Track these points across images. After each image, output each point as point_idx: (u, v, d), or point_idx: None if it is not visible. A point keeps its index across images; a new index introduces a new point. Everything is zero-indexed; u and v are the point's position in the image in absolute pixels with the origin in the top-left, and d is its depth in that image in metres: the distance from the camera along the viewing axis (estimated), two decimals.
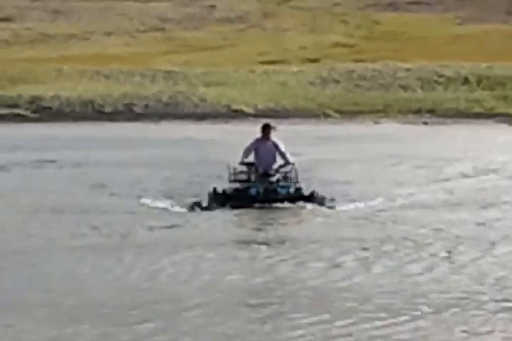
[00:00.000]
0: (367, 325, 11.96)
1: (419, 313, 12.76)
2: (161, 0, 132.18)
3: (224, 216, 20.73)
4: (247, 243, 17.80)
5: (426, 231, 18.64)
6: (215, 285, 14.86)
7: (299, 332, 11.30)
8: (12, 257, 17.40)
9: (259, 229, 19.05)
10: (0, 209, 24.08)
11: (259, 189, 21.74)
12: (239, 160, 22.69)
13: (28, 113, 71.80)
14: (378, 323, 12.16)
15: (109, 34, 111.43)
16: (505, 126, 62.53)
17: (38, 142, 49.73)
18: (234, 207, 21.70)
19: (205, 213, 21.18)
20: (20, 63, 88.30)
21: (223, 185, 22.10)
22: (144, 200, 24.61)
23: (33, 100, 74.12)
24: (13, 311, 13.13)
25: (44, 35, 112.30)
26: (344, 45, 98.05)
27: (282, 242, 17.16)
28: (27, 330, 11.65)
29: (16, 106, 73.18)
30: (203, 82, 78.65)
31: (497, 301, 13.34)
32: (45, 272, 16.62)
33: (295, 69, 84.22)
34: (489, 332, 11.45)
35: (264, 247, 16.95)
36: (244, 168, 21.49)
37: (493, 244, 20.03)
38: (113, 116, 69.80)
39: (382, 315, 12.60)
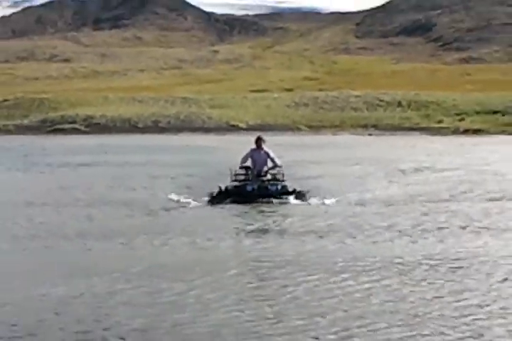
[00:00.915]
0: (336, 278, 12.07)
1: (386, 272, 12.55)
2: (179, 46, 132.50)
3: (226, 209, 20.07)
4: (242, 230, 17.07)
5: (380, 218, 17.91)
6: (218, 255, 14.17)
7: (290, 288, 11.17)
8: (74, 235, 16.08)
9: (252, 219, 18.32)
10: (61, 199, 23.17)
11: (254, 186, 20.59)
12: (239, 164, 21.31)
13: (82, 127, 71.24)
14: (348, 278, 12.04)
15: (141, 71, 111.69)
16: (428, 136, 62.25)
17: (89, 149, 49.28)
18: (234, 202, 20.54)
19: (213, 206, 20.53)
20: (77, 92, 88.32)
21: (225, 183, 21.56)
22: (164, 193, 23.06)
23: (86, 118, 73.91)
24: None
25: (94, 71, 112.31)
26: (311, 79, 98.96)
27: (269, 229, 16.50)
28: None
29: (74, 122, 72.88)
30: (208, 105, 78.72)
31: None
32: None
33: (276, 95, 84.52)
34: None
35: (255, 232, 16.22)
36: (241, 171, 21.07)
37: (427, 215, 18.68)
38: (144, 130, 69.32)
39: (352, 272, 12.40)
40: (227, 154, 25.82)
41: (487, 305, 10.96)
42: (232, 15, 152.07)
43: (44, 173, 35.06)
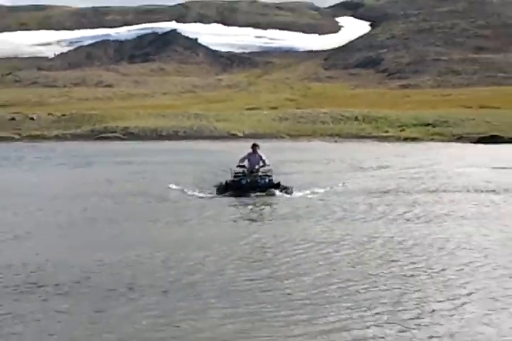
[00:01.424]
0: (312, 249, 12.21)
1: (349, 245, 12.48)
2: (192, 75, 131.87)
3: (226, 199, 19.85)
4: (238, 216, 16.84)
5: (350, 205, 17.58)
6: (217, 236, 13.82)
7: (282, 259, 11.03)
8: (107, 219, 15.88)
9: (245, 208, 18.05)
10: (102, 190, 22.96)
11: (248, 180, 20.41)
12: (237, 163, 21.30)
13: (121, 136, 70.67)
14: (321, 250, 12.12)
15: (164, 94, 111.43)
16: (377, 143, 61.79)
17: (125, 152, 49.06)
18: (232, 193, 20.35)
19: (217, 196, 20.36)
20: (117, 109, 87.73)
21: (226, 178, 21.38)
22: (178, 185, 22.92)
23: (124, 129, 73.30)
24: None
25: (130, 94, 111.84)
26: (291, 100, 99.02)
27: (260, 216, 16.27)
28: None
29: (114, 132, 72.24)
30: (215, 119, 78.13)
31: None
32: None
33: (265, 112, 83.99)
34: None
35: (247, 217, 16.32)
36: (239, 169, 20.94)
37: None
38: (166, 138, 68.79)
39: (325, 246, 12.34)
40: (228, 156, 25.72)
41: (428, 268, 11.01)
42: (233, 52, 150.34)
43: (91, 170, 35.08)
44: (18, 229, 15.08)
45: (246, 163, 21.61)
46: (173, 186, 23.01)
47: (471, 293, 9.58)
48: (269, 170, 21.59)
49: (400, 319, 8.35)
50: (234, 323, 8.18)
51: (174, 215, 17.31)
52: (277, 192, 20.52)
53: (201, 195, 21.04)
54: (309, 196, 20.55)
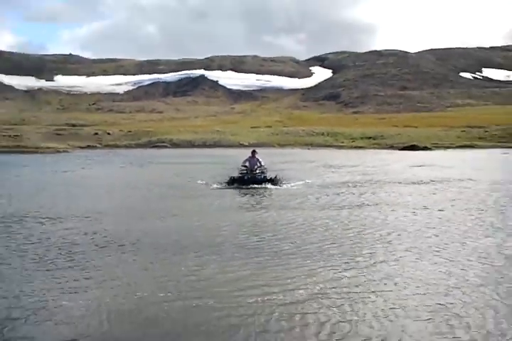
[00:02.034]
0: (297, 229, 10.88)
1: (327, 227, 11.21)
2: (214, 105, 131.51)
3: (234, 189, 19.58)
4: (242, 200, 16.66)
5: (327, 195, 17.12)
6: (229, 213, 13.41)
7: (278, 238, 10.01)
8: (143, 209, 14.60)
9: (246, 197, 17.77)
10: (151, 183, 22.88)
11: (248, 176, 19.86)
12: (241, 163, 20.76)
13: (168, 145, 70.46)
14: (306, 230, 10.79)
15: (196, 117, 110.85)
16: (337, 150, 61.61)
17: (170, 156, 48.80)
18: (238, 185, 19.79)
19: (228, 187, 20.15)
20: (165, 127, 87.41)
21: (235, 174, 21.13)
22: (201, 179, 22.14)
23: (170, 140, 73.15)
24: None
25: (174, 117, 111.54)
26: (280, 121, 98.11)
27: (257, 205, 15.95)
28: None
29: (163, 142, 71.98)
30: (230, 134, 77.76)
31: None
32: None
33: (262, 129, 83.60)
34: None
35: (247, 206, 15.55)
36: (243, 168, 20.55)
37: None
38: (197, 146, 68.56)
39: (308, 228, 11.10)
40: (237, 158, 24.78)
41: (373, 235, 10.77)
42: (241, 90, 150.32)
43: (147, 168, 34.80)
44: (100, 208, 14.92)
45: (247, 163, 20.89)
46: (199, 180, 22.73)
47: (403, 249, 9.42)
48: (265, 169, 21.00)
49: (356, 266, 8.35)
50: (248, 269, 8.17)
51: (199, 198, 17.02)
52: (269, 185, 19.82)
53: (217, 186, 20.22)
54: (292, 187, 19.71)
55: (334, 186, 20.20)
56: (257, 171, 20.66)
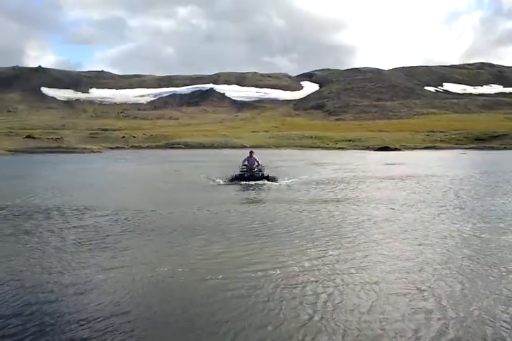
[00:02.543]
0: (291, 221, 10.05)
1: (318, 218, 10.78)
2: (221, 113, 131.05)
3: (236, 185, 19.13)
4: (241, 194, 16.50)
5: (319, 190, 16.64)
6: (230, 203, 12.73)
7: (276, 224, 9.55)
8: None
9: (245, 193, 17.37)
10: (166, 179, 22.68)
11: (248, 174, 19.11)
12: (241, 162, 19.87)
13: (183, 146, 70.31)
14: (297, 221, 10.10)
15: (206, 123, 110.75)
16: (323, 150, 61.54)
17: (184, 155, 48.64)
18: (239, 182, 18.91)
19: (230, 183, 19.83)
20: (181, 132, 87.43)
21: (236, 172, 20.75)
22: (208, 176, 21.29)
23: (184, 142, 72.91)
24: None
25: (188, 123, 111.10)
26: (275, 127, 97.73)
27: (255, 199, 15.52)
28: None
29: (179, 144, 71.83)
30: (234, 137, 77.61)
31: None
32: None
33: (261, 133, 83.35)
34: None
35: (248, 199, 14.82)
36: (242, 166, 20.01)
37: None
38: (207, 147, 68.41)
39: (300, 218, 10.62)
40: (240, 158, 25.12)
41: (353, 222, 10.61)
42: (244, 101, 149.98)
43: (165, 164, 34.47)
44: (126, 200, 14.79)
45: (246, 162, 19.91)
46: (207, 176, 22.24)
47: (380, 232, 9.32)
48: (263, 167, 20.00)
49: (341, 246, 8.23)
50: (245, 250, 8.02)
51: (206, 192, 16.73)
52: (266, 181, 18.93)
53: (222, 182, 19.29)
54: (287, 183, 18.73)
55: (322, 182, 19.39)
56: (255, 169, 19.76)
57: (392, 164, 31.63)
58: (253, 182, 18.74)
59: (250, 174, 19.36)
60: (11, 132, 78.82)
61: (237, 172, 19.81)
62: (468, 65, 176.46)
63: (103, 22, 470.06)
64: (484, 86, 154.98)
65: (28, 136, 72.66)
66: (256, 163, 19.85)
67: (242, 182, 18.83)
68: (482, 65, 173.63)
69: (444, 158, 41.32)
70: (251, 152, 20.58)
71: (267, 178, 19.25)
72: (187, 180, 21.09)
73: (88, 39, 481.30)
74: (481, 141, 66.53)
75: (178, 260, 7.39)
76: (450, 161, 36.27)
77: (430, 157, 42.04)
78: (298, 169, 27.20)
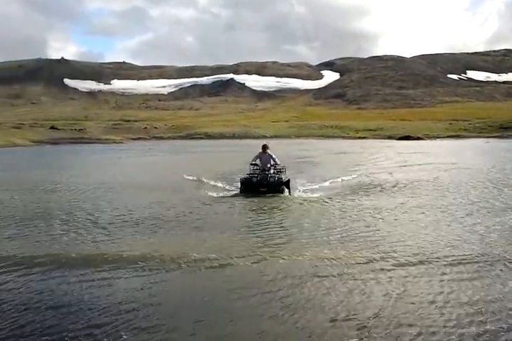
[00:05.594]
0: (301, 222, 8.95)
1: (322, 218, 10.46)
2: (241, 103, 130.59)
3: (240, 195, 13.20)
4: (249, 209, 11.80)
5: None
6: (228, 214, 10.95)
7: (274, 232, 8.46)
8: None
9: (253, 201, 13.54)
10: (190, 164, 22.71)
11: (258, 178, 13.15)
12: (250, 162, 14.00)
13: (204, 137, 70.62)
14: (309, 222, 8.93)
15: (227, 113, 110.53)
16: (343, 140, 60.90)
17: (219, 145, 48.62)
18: (244, 189, 13.21)
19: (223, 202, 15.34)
20: (202, 122, 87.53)
21: (245, 173, 14.24)
22: (227, 165, 18.99)
23: (205, 133, 73.21)
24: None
25: (209, 114, 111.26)
26: (296, 117, 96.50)
27: (267, 208, 11.09)
28: None
29: (200, 134, 72.28)
30: (254, 127, 77.59)
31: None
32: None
33: (281, 123, 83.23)
34: None
35: (257, 210, 10.85)
36: (252, 167, 13.84)
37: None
38: (228, 137, 68.60)
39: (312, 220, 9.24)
40: (259, 147, 23.32)
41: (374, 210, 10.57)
42: (264, 90, 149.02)
43: (187, 154, 34.89)
44: (152, 183, 15.18)
45: (258, 161, 14.17)
46: (220, 163, 20.82)
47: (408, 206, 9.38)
48: (283, 168, 14.20)
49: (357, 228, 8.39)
50: (240, 240, 8.04)
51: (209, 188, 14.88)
52: (286, 192, 13.17)
53: (215, 194, 13.32)
54: (326, 195, 12.73)
55: (388, 189, 14.25)
56: (271, 171, 13.94)
57: (413, 153, 31.12)
58: (266, 192, 13.17)
59: (262, 178, 13.60)
60: (35, 123, 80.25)
61: (245, 174, 14.32)
62: (493, 51, 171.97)
63: (124, 12, 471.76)
64: (509, 73, 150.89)
65: (52, 127, 73.92)
66: (271, 162, 14.23)
67: (248, 194, 13.11)
68: (507, 52, 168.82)
69: (467, 147, 40.40)
70: (264, 146, 14.56)
71: (287, 185, 13.42)
72: (207, 169, 19.78)
73: (109, 30, 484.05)
74: (506, 129, 65.13)
75: (184, 244, 7.63)
76: (474, 150, 35.26)
77: (453, 146, 41.30)
78: (332, 164, 22.99)
